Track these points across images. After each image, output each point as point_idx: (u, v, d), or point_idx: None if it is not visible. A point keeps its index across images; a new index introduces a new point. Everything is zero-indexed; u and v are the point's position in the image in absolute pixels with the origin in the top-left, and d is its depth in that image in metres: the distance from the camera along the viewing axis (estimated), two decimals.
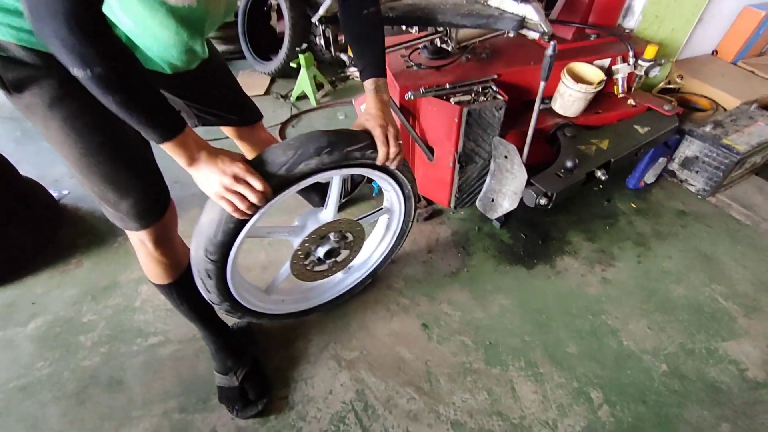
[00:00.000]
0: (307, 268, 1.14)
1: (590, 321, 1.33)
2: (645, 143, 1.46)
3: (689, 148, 1.67)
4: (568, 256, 1.54)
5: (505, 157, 1.33)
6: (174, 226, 0.96)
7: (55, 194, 1.83)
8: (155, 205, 0.87)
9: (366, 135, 0.94)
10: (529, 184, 1.30)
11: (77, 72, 0.58)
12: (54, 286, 1.46)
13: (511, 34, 1.17)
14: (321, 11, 1.20)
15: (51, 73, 0.70)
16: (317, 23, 1.21)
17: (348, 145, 0.90)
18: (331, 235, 1.12)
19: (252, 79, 2.79)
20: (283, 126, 2.31)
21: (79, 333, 1.31)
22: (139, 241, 0.91)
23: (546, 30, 1.09)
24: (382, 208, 1.27)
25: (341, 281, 1.36)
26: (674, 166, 1.77)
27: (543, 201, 1.29)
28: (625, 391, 1.15)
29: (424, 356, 1.24)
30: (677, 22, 1.79)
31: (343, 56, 1.29)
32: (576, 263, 1.51)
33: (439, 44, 1.47)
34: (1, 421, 1.11)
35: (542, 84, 1.12)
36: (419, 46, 1.52)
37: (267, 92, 2.66)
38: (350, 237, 1.17)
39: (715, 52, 2.13)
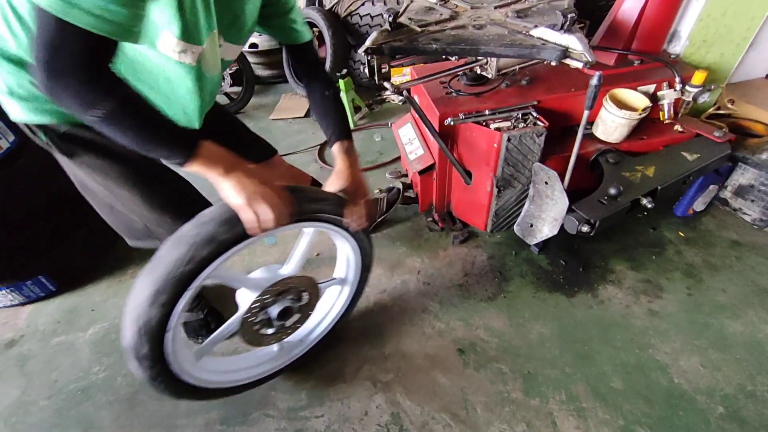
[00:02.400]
0: (255, 327, 1.04)
1: (637, 355, 1.27)
2: (694, 171, 1.40)
3: (743, 176, 1.59)
4: (612, 285, 1.48)
5: (546, 183, 1.32)
6: None
7: None
8: None
9: (333, 194, 1.00)
10: (570, 210, 1.29)
11: (91, 115, 0.63)
12: (111, 294, 1.57)
13: (554, 63, 1.18)
14: (368, 43, 1.27)
15: (96, 139, 0.85)
16: (363, 53, 1.27)
17: (313, 201, 0.93)
18: (288, 294, 1.06)
19: (293, 102, 2.94)
20: (322, 147, 2.40)
21: None
22: None
23: (590, 60, 1.10)
24: (335, 278, 1.25)
25: (273, 359, 1.21)
26: (726, 194, 1.68)
27: (585, 228, 1.27)
28: None
29: (460, 382, 1.22)
30: (727, 47, 1.74)
31: (387, 84, 1.34)
32: (620, 293, 1.45)
33: (479, 71, 1.50)
34: (60, 420, 1.19)
35: (586, 113, 1.13)
36: (458, 72, 1.56)
37: (307, 114, 2.78)
38: (305, 299, 1.10)
39: None
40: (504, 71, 1.52)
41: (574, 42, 1.13)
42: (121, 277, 1.64)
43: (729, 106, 1.86)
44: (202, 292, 1.42)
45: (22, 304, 1.54)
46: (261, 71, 3.20)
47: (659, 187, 1.34)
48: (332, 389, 1.23)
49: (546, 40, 1.19)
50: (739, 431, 1.08)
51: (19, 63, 0.75)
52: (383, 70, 1.35)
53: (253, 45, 3.05)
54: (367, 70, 1.35)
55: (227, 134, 1.20)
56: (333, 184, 1.03)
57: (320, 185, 1.47)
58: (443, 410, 1.16)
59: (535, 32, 1.22)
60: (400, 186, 1.86)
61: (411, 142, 1.78)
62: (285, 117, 2.80)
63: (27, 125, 0.83)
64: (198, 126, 0.99)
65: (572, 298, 1.45)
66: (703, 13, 1.61)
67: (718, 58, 1.76)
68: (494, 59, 1.44)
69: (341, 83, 2.49)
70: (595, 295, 1.45)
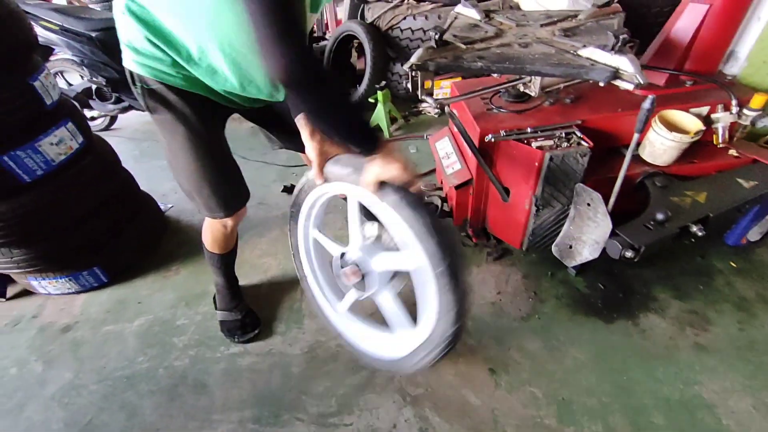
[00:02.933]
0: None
1: (680, 390, 1.20)
2: (750, 199, 1.33)
3: None
4: (654, 314, 1.42)
5: (588, 204, 1.29)
6: (241, 219, 1.27)
7: (162, 207, 2.11)
8: (239, 201, 1.20)
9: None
10: (613, 234, 1.25)
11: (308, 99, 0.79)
12: (156, 289, 1.66)
13: (602, 84, 1.17)
14: (414, 59, 1.29)
15: (180, 102, 0.99)
16: (408, 70, 1.30)
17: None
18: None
19: None
20: None
21: (174, 334, 1.47)
22: (220, 224, 1.23)
23: (641, 81, 1.07)
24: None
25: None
26: None
27: (629, 254, 1.22)
28: None
29: (491, 403, 1.20)
30: None
31: (429, 99, 1.36)
32: (663, 323, 1.39)
33: (522, 89, 1.50)
34: (106, 404, 1.27)
35: (636, 135, 1.10)
36: (500, 89, 1.56)
37: None
38: None
39: None
40: (548, 89, 1.50)
41: (625, 63, 1.11)
42: (165, 273, 1.73)
43: None
44: (241, 293, 1.49)
45: (78, 292, 1.66)
46: None
47: (711, 215, 1.28)
48: (362, 398, 1.24)
49: (595, 61, 1.17)
50: None
51: (143, 22, 0.87)
52: (426, 86, 1.38)
53: None
54: (410, 85, 1.38)
55: (283, 117, 1.25)
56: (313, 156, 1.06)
57: None
58: (473, 430, 1.15)
59: (584, 52, 1.20)
60: (438, 202, 1.87)
61: (448, 156, 1.79)
62: None
63: (131, 72, 0.96)
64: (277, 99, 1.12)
65: (611, 325, 1.40)
66: (765, 32, 1.53)
67: None
68: (538, 77, 1.43)
69: (379, 94, 2.54)
70: (635, 323, 1.39)
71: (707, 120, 1.47)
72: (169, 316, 1.54)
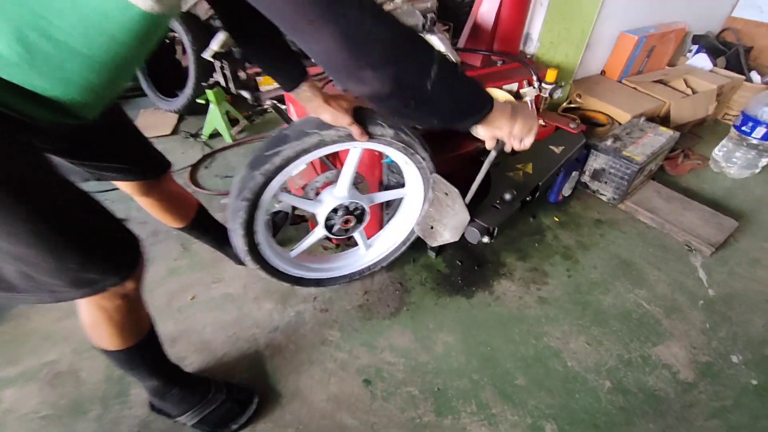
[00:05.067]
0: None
1: (534, 346, 1.30)
2: (563, 163, 1.51)
3: (596, 161, 1.79)
4: (505, 278, 1.52)
5: (446, 194, 1.27)
6: (142, 280, 0.84)
7: None
8: (132, 246, 0.78)
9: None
10: (470, 221, 1.26)
11: (427, 81, 0.63)
12: None
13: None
14: (214, 46, 1.07)
15: None
16: (211, 59, 1.07)
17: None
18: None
19: (155, 118, 2.52)
20: (194, 168, 2.08)
21: None
22: (117, 297, 0.78)
23: (454, 60, 1.08)
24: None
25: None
26: (586, 178, 1.88)
27: (486, 239, 1.25)
28: (576, 417, 1.12)
29: (369, 419, 1.10)
30: (569, 48, 1.95)
31: (245, 93, 1.16)
32: (513, 285, 1.50)
33: None
34: None
35: (493, 152, 1.07)
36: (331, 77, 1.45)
37: (174, 132, 2.40)
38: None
39: (603, 72, 2.37)
40: None
41: (436, 42, 1.09)
42: None
43: (577, 99, 2.10)
44: (192, 375, 1.10)
45: None
46: None
47: (540, 183, 1.41)
48: None
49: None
50: (624, 401, 1.16)
51: None
52: (240, 77, 1.17)
53: None
54: (221, 78, 1.15)
55: (119, 136, 0.95)
56: (343, 118, 0.94)
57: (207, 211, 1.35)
58: None
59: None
60: (289, 209, 1.68)
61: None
62: (150, 136, 2.37)
63: None
64: (100, 108, 0.70)
65: (471, 299, 1.44)
66: (547, 17, 1.76)
67: (564, 57, 1.96)
68: None
69: (210, 94, 2.19)
70: (491, 292, 1.47)
71: (518, 96, 1.62)
72: None
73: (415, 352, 1.27)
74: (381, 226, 1.51)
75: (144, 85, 2.55)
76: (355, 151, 1.11)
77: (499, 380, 1.20)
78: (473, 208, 1.25)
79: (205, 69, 2.32)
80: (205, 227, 1.32)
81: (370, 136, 1.02)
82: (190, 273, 1.51)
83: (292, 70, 0.86)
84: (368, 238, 1.45)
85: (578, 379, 1.21)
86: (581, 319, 1.38)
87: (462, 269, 1.55)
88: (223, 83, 1.14)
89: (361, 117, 0.99)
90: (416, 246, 1.57)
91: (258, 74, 1.27)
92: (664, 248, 1.66)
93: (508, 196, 1.30)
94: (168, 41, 2.71)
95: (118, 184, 1.03)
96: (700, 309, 1.43)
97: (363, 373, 1.21)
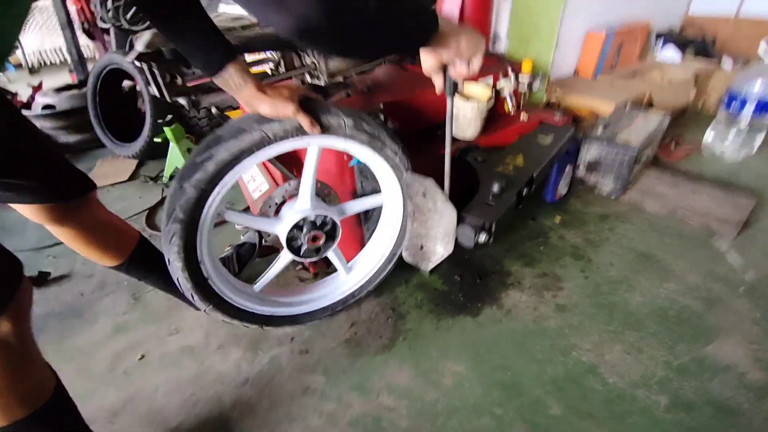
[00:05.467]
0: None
1: (562, 364, 1.06)
2: (555, 152, 1.37)
3: (589, 152, 1.66)
4: (513, 288, 1.31)
5: (424, 195, 1.08)
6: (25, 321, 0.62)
7: None
8: (9, 276, 0.60)
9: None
10: (460, 220, 1.07)
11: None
12: None
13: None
14: (139, 47, 0.92)
15: None
16: (135, 62, 0.92)
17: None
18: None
19: (113, 166, 2.35)
20: (152, 211, 1.88)
21: None
22: None
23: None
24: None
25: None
26: (581, 172, 1.74)
27: (483, 238, 1.06)
28: None
29: None
30: (540, 46, 1.89)
31: (182, 100, 1.00)
32: (523, 296, 1.28)
33: (309, 80, 1.27)
34: None
35: (449, 99, 0.91)
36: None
37: (131, 178, 2.22)
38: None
39: (576, 73, 2.33)
40: (338, 78, 1.32)
41: None
42: None
43: (556, 94, 2.01)
44: None
45: None
46: (65, 137, 2.53)
47: (534, 174, 1.25)
48: None
49: None
50: (690, 419, 0.92)
51: None
52: (176, 82, 1.01)
53: (49, 107, 2.41)
54: (153, 85, 0.99)
55: (24, 136, 0.76)
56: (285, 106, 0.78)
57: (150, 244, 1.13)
58: None
59: None
60: (255, 239, 1.47)
61: (254, 179, 1.44)
62: (105, 184, 2.18)
63: None
64: None
65: (478, 317, 1.22)
66: (513, 14, 1.71)
67: (535, 55, 1.90)
68: (323, 63, 1.23)
69: (168, 132, 2.04)
70: (500, 306, 1.25)
71: (495, 92, 1.50)
72: None
73: (419, 391, 1.02)
74: (362, 245, 1.31)
75: (99, 133, 2.40)
76: (312, 151, 0.94)
77: (529, 412, 0.95)
78: (459, 208, 1.06)
79: (160, 106, 2.19)
80: (147, 265, 1.09)
81: (324, 128, 0.86)
82: (141, 327, 1.26)
83: (214, 48, 0.71)
84: (348, 261, 1.24)
85: (625, 398, 0.97)
86: (610, 324, 1.16)
87: (462, 284, 1.34)
88: (155, 92, 0.98)
89: (310, 108, 0.83)
90: (406, 265, 1.36)
91: (202, 88, 1.12)
92: (681, 236, 1.49)
93: (496, 188, 1.12)
94: (124, 89, 2.62)
95: (20, 209, 0.82)
96: (742, 296, 1.23)
97: (357, 427, 0.95)
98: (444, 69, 0.76)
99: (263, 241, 1.46)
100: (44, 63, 5.42)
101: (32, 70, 5.28)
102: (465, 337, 1.16)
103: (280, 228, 0.99)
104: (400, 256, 1.22)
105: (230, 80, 0.72)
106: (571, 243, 1.49)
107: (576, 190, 1.78)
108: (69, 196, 0.85)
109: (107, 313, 1.32)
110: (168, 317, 1.28)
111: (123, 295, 1.38)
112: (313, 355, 1.13)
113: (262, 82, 0.77)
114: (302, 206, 0.99)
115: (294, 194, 1.04)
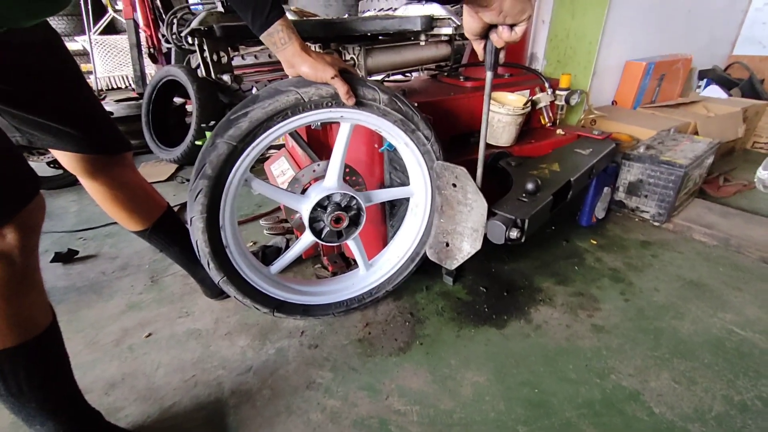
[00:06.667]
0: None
1: (599, 386, 0.93)
2: (596, 162, 1.30)
3: (630, 172, 1.57)
4: (544, 305, 1.20)
5: (454, 185, 1.04)
6: (33, 236, 0.60)
7: None
8: (21, 188, 0.57)
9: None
10: (491, 214, 1.01)
11: None
12: None
13: (422, 40, 1.03)
14: (194, 24, 0.98)
15: None
16: (188, 37, 0.97)
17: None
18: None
19: (154, 168, 2.47)
20: (181, 209, 1.93)
21: None
22: None
23: (457, 22, 0.96)
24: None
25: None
26: (620, 195, 1.64)
27: (515, 234, 0.99)
28: None
29: None
30: (577, 68, 1.88)
31: (225, 77, 1.04)
32: (555, 312, 1.17)
33: None
34: None
35: (489, 74, 0.86)
36: None
37: (169, 179, 2.32)
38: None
39: (614, 103, 2.28)
40: (375, 77, 1.35)
41: (437, 9, 0.99)
42: None
43: (591, 125, 1.97)
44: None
45: None
46: None
47: (572, 179, 1.18)
48: None
49: (409, 15, 1.04)
50: None
51: None
52: (222, 60, 1.06)
53: (108, 113, 2.60)
54: (200, 62, 1.04)
55: (66, 89, 0.80)
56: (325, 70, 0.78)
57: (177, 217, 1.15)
58: None
59: (399, 11, 1.07)
60: (282, 244, 1.47)
61: (284, 173, 1.45)
62: None
63: None
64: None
65: (504, 329, 1.11)
66: (551, 34, 1.72)
67: (573, 78, 1.88)
68: (362, 59, 1.26)
69: (209, 136, 2.14)
70: (528, 320, 1.14)
71: (532, 103, 1.48)
72: None
73: (433, 397, 0.92)
74: (385, 243, 1.26)
75: (147, 138, 2.55)
76: (344, 127, 0.93)
77: None
78: (491, 203, 1.01)
79: (208, 113, 2.32)
80: (171, 236, 1.09)
81: (359, 101, 0.85)
82: (154, 307, 1.24)
83: (265, 2, 0.72)
84: (369, 260, 1.19)
85: (675, 431, 0.83)
86: (656, 350, 1.03)
87: (488, 296, 1.24)
88: (202, 70, 1.03)
89: (348, 79, 0.83)
90: (428, 272, 1.30)
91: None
92: (737, 267, 1.34)
93: (531, 186, 1.07)
94: (178, 105, 2.81)
95: (59, 156, 0.85)
96: None
97: (362, 427, 0.85)
98: (486, 36, 0.74)
99: (289, 244, 1.45)
100: (111, 87, 6.02)
101: (100, 93, 5.86)
102: (488, 349, 1.05)
103: (305, 206, 0.97)
104: (423, 257, 1.17)
105: (276, 36, 0.73)
106: (609, 266, 1.38)
107: (614, 216, 1.68)
108: (107, 150, 0.88)
109: (124, 291, 1.31)
110: (181, 301, 1.26)
111: (142, 277, 1.38)
112: (322, 350, 1.06)
113: (306, 44, 0.78)
114: (329, 183, 0.97)
115: (321, 176, 1.03)
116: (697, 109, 2.18)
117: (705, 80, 2.56)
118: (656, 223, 1.58)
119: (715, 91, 2.47)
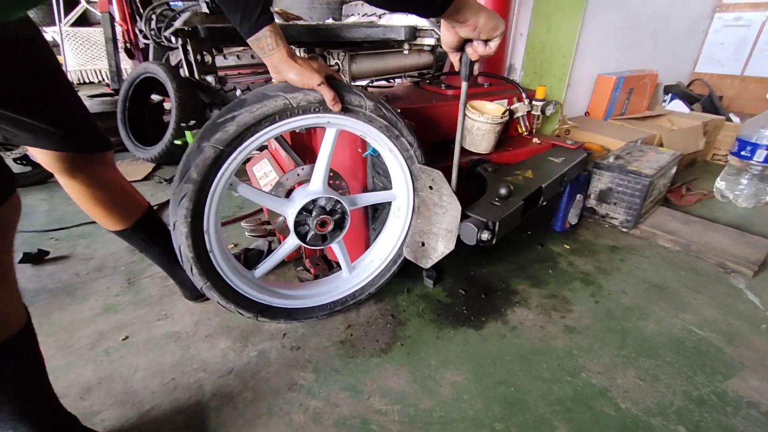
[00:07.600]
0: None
1: (570, 384, 0.98)
2: (567, 170, 1.37)
3: (600, 180, 1.65)
4: (519, 306, 1.25)
5: (430, 187, 1.08)
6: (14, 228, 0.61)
7: None
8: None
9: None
10: (464, 216, 1.05)
11: None
12: None
13: (406, 48, 1.06)
14: (178, 23, 0.98)
15: None
16: (171, 37, 0.97)
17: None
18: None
19: (131, 167, 2.41)
20: (160, 208, 1.89)
21: None
22: None
23: (438, 33, 0.99)
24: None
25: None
26: (592, 202, 1.72)
27: (486, 236, 1.03)
28: None
29: None
30: (552, 80, 1.96)
31: (209, 78, 1.04)
32: (530, 314, 1.22)
33: None
34: None
35: (464, 84, 0.92)
36: None
37: (146, 178, 2.26)
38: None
39: (587, 114, 2.39)
40: (359, 83, 1.37)
41: (420, 20, 1.02)
42: None
43: (566, 135, 2.05)
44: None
45: None
46: None
47: (543, 186, 1.24)
48: None
49: (393, 25, 1.07)
50: None
51: None
52: (206, 61, 1.06)
53: None
54: (183, 63, 1.04)
55: (46, 84, 0.78)
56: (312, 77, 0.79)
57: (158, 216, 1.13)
58: None
59: (383, 20, 1.10)
60: (264, 247, 1.47)
61: (266, 176, 1.45)
62: None
63: None
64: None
65: (481, 330, 1.15)
66: (528, 46, 1.80)
67: (548, 90, 1.96)
68: (347, 70, 1.28)
69: (188, 135, 2.10)
70: (505, 321, 1.19)
71: (509, 112, 1.54)
72: None
73: (414, 397, 0.94)
74: (367, 246, 1.29)
75: (123, 136, 2.48)
76: (330, 132, 0.95)
77: (533, 430, 0.87)
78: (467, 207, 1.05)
79: (187, 112, 2.28)
80: (152, 236, 1.07)
81: (345, 107, 0.87)
82: (131, 310, 1.21)
83: (255, 7, 0.73)
84: (352, 262, 1.21)
85: (640, 425, 0.88)
86: (623, 349, 1.09)
87: (466, 298, 1.28)
88: (185, 71, 1.03)
89: (335, 85, 0.85)
90: (410, 275, 1.34)
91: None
92: (697, 271, 1.43)
93: (503, 191, 1.12)
94: (156, 103, 2.75)
95: (36, 154, 0.83)
96: (765, 334, 1.15)
97: (343, 427, 0.87)
98: (462, 49, 0.78)
99: (271, 247, 1.45)
100: (83, 81, 5.79)
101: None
102: (467, 349, 1.09)
103: (290, 209, 0.98)
104: (405, 261, 1.19)
105: (264, 41, 0.74)
106: (581, 269, 1.45)
107: (586, 222, 1.76)
108: (87, 149, 0.86)
109: (99, 293, 1.28)
110: (159, 303, 1.24)
111: (118, 279, 1.35)
112: (304, 352, 1.07)
113: (293, 50, 0.80)
114: (314, 188, 0.98)
115: (305, 180, 1.04)
116: (662, 122, 2.31)
117: (670, 95, 2.72)
118: (624, 229, 1.67)
119: (678, 106, 2.63)
